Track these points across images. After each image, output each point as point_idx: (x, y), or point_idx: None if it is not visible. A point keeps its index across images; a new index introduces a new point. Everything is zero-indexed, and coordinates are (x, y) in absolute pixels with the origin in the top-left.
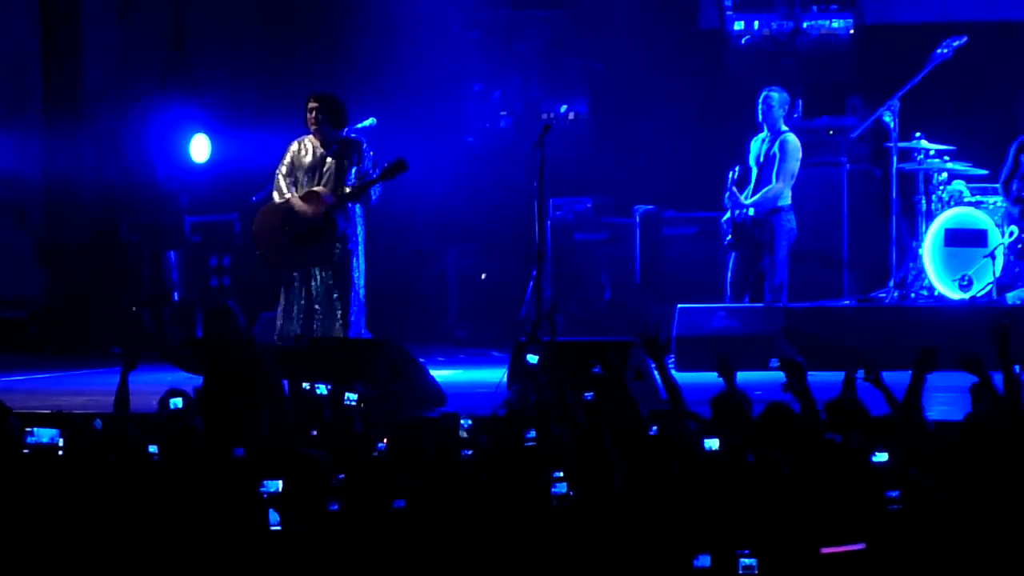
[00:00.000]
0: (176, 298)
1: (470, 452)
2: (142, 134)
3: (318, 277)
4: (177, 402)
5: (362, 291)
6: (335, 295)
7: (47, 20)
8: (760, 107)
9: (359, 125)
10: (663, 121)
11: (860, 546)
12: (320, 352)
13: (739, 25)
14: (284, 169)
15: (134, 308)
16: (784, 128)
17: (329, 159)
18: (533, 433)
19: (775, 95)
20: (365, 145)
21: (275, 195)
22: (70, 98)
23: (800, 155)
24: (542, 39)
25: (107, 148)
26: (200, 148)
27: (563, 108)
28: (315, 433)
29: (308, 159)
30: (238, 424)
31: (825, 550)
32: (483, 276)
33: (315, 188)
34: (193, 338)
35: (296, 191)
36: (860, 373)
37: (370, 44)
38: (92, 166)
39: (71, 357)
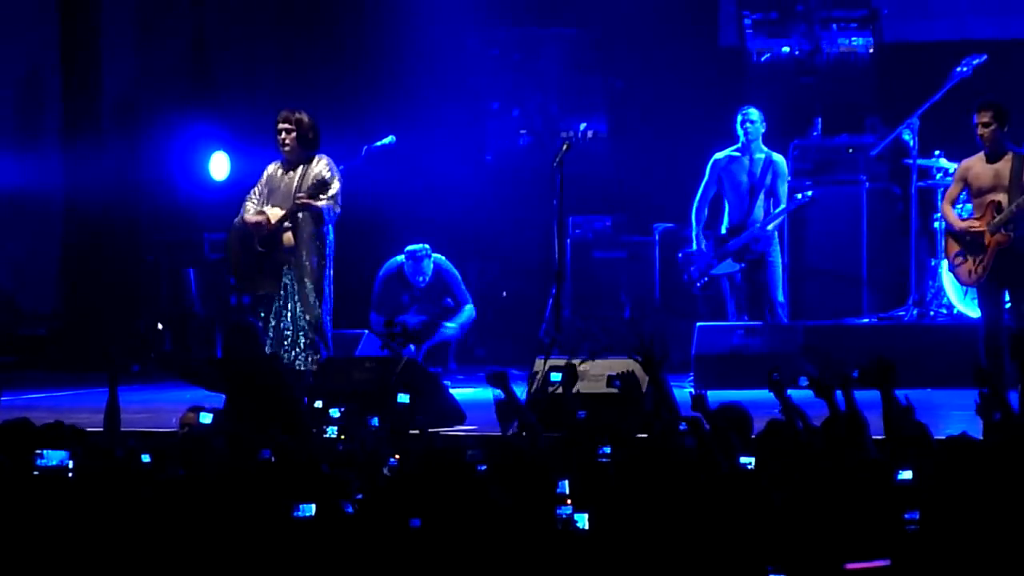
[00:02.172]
0: (194, 312)
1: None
2: (161, 152)
3: (282, 299)
4: (207, 418)
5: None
6: (295, 316)
7: (66, 38)
8: (745, 125)
9: (378, 143)
10: (682, 139)
11: (885, 562)
12: (337, 371)
13: (759, 43)
14: (257, 190)
15: (159, 327)
16: (765, 148)
17: (290, 176)
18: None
19: (755, 112)
20: (330, 168)
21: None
22: (89, 116)
23: None
24: (561, 57)
25: (126, 166)
26: (219, 165)
27: (582, 126)
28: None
29: (277, 180)
30: (260, 441)
31: (850, 566)
32: (503, 294)
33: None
34: (214, 357)
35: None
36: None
37: (389, 62)
38: (111, 184)
39: (90, 374)
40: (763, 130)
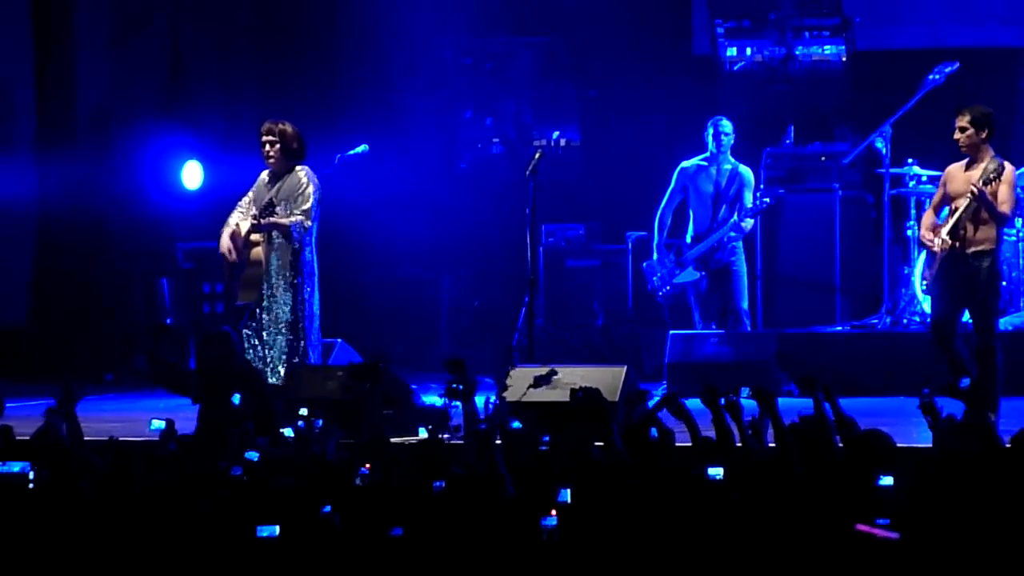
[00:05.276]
0: (169, 324)
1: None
2: (135, 161)
3: (259, 311)
4: (160, 425)
5: (304, 331)
6: (269, 330)
7: (39, 46)
8: (720, 136)
9: (351, 152)
10: (655, 147)
11: (895, 535)
12: (307, 380)
13: (731, 51)
14: (246, 198)
15: (132, 337)
16: (733, 159)
17: (270, 187)
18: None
19: (728, 123)
20: (306, 179)
21: None
22: (63, 125)
23: None
24: (534, 65)
25: (100, 176)
26: (193, 175)
27: (555, 134)
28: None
29: (262, 190)
30: (234, 450)
31: (860, 527)
32: (476, 303)
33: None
34: (191, 369)
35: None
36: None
37: (362, 70)
38: (85, 194)
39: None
40: (732, 142)
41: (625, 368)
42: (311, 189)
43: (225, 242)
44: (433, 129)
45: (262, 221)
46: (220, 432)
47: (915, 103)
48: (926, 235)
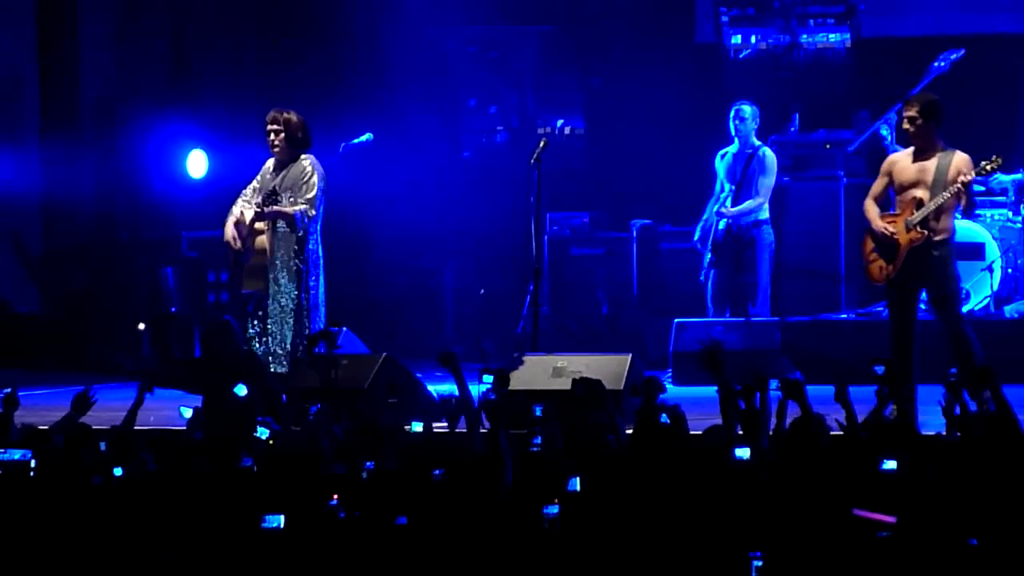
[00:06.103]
0: (174, 312)
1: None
2: (139, 150)
3: (266, 298)
4: (187, 413)
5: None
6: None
7: (43, 36)
8: (734, 121)
9: (355, 141)
10: (659, 135)
11: (891, 519)
12: (313, 369)
13: (736, 39)
14: (252, 185)
15: (140, 326)
16: (757, 142)
17: (276, 176)
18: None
19: (748, 108)
20: (311, 168)
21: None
22: (67, 114)
23: (776, 169)
24: (538, 54)
25: (105, 165)
26: (197, 163)
27: (560, 123)
28: None
29: (268, 179)
30: (241, 438)
31: (858, 512)
32: (481, 291)
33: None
34: (193, 358)
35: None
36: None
37: (367, 59)
38: (89, 182)
39: (68, 373)
40: (755, 125)
41: (630, 356)
42: (316, 178)
43: (229, 230)
44: (437, 118)
45: (265, 210)
46: (225, 421)
47: (920, 90)
48: (888, 228)
